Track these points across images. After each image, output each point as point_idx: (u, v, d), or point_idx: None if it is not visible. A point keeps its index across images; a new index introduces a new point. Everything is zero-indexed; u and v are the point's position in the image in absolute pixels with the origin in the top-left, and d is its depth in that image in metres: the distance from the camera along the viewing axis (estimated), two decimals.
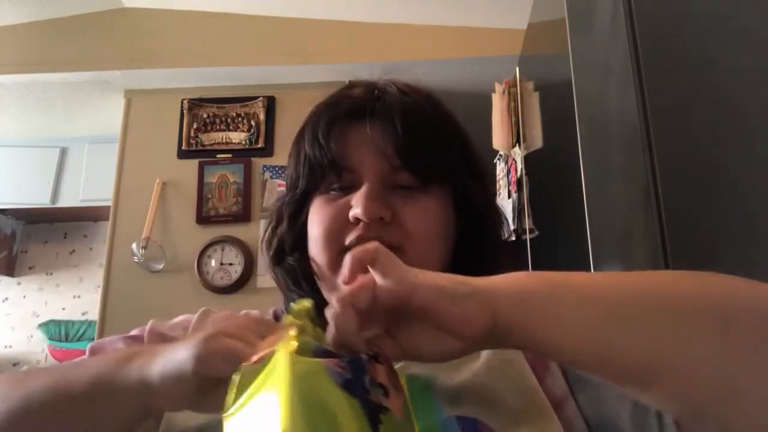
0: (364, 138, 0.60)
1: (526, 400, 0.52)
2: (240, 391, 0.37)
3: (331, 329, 0.40)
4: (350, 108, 0.62)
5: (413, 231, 0.58)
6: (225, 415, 0.36)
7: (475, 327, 0.39)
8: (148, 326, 0.66)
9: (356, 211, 0.57)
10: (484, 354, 0.56)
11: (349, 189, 0.60)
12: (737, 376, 0.37)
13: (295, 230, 0.65)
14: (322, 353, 0.38)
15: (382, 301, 0.39)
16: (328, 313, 0.40)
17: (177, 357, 0.41)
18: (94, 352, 0.63)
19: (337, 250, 0.59)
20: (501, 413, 0.51)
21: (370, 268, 0.40)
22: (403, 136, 0.59)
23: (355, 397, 0.35)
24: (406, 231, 0.58)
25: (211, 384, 0.40)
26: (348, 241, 0.58)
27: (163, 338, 0.63)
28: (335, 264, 0.59)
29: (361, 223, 0.57)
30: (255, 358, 0.38)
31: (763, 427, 0.37)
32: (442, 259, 0.61)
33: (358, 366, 0.38)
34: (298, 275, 0.65)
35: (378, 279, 0.40)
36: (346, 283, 0.41)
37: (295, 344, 0.37)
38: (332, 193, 0.61)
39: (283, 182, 0.69)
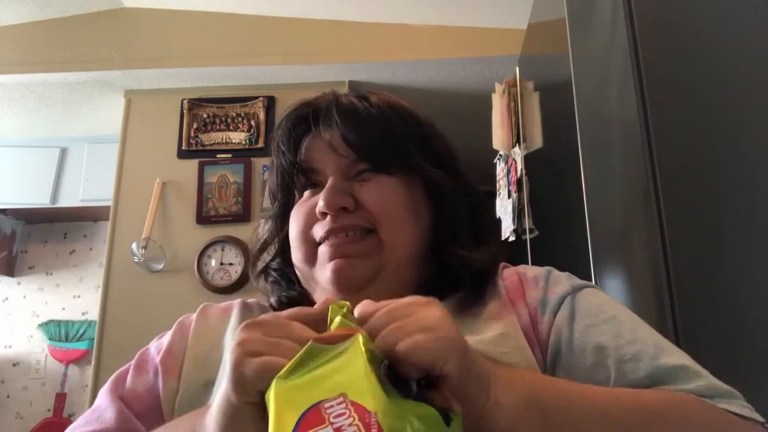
0: (318, 139, 0.65)
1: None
2: (303, 362, 0.39)
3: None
4: (301, 114, 0.66)
5: (377, 211, 0.61)
6: (278, 376, 0.38)
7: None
8: (152, 344, 0.67)
9: (319, 204, 0.61)
10: (489, 332, 0.57)
11: (320, 190, 0.63)
12: None
13: (279, 240, 0.69)
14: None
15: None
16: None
17: (220, 403, 0.42)
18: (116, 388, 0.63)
19: (311, 245, 0.62)
20: None
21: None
22: (345, 128, 0.62)
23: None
24: (370, 213, 0.61)
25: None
26: (319, 235, 0.61)
27: (169, 354, 0.63)
28: (310, 258, 0.62)
29: (328, 216, 0.61)
30: (326, 335, 0.41)
31: None
32: (416, 238, 0.63)
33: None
34: (282, 283, 0.69)
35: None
36: None
37: (366, 334, 0.40)
38: (305, 196, 0.65)
39: None
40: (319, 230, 0.61)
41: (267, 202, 0.76)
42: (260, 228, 0.73)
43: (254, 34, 2.45)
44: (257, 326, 0.43)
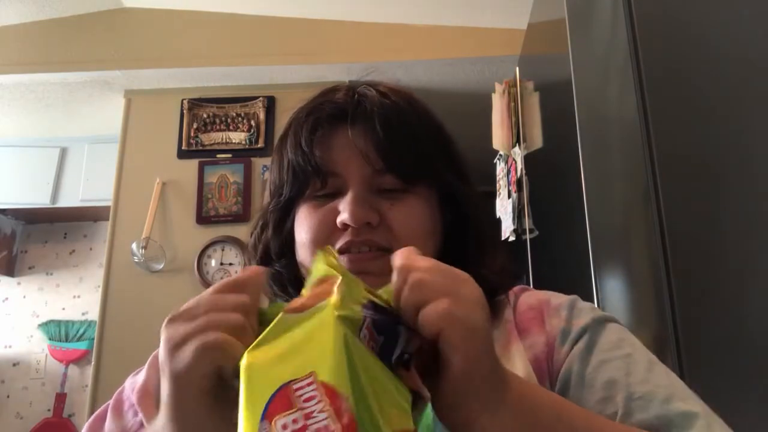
0: (346, 142, 0.60)
1: None
2: (274, 333, 0.37)
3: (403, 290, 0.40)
4: (331, 113, 0.62)
5: (401, 232, 0.59)
6: (249, 350, 0.37)
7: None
8: (127, 384, 0.65)
9: (344, 216, 0.57)
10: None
11: (335, 194, 0.60)
12: None
13: (282, 236, 0.65)
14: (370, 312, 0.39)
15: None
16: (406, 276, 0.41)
17: (169, 406, 0.40)
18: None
19: None
20: None
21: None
22: (384, 139, 0.59)
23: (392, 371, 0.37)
24: (393, 233, 0.59)
25: (218, 390, 0.39)
26: (338, 246, 0.59)
27: (145, 392, 0.62)
28: None
29: (350, 228, 0.58)
30: (297, 305, 0.39)
31: None
32: (430, 255, 0.61)
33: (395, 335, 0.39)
34: (285, 280, 0.65)
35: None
36: None
37: (338, 300, 0.37)
38: (318, 198, 0.61)
39: None
40: (338, 242, 0.59)
41: (266, 200, 0.71)
42: (258, 222, 0.69)
43: (254, 34, 2.45)
44: (178, 317, 0.40)
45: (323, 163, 0.60)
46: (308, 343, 0.36)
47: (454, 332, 0.38)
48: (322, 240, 0.59)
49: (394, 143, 0.60)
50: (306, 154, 0.61)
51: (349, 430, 0.32)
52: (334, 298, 0.38)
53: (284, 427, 0.33)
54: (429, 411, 0.44)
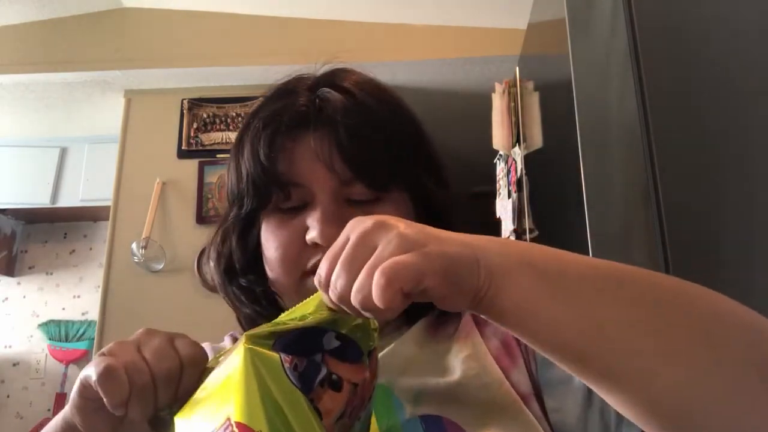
0: (309, 152, 0.57)
1: (491, 393, 0.52)
2: (200, 389, 0.39)
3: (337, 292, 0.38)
4: (291, 121, 0.58)
5: None
6: (180, 412, 0.39)
7: (458, 307, 0.39)
8: None
9: (313, 235, 0.54)
10: (450, 355, 0.56)
11: (301, 206, 0.57)
12: (706, 395, 0.37)
13: (247, 248, 0.63)
14: (284, 336, 0.38)
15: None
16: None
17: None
18: None
19: (299, 274, 0.57)
20: (465, 408, 0.51)
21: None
22: (349, 147, 0.55)
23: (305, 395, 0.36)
24: None
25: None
26: (310, 265, 0.56)
27: None
28: (299, 287, 0.57)
29: (321, 246, 0.54)
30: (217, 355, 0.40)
31: None
32: None
33: (313, 365, 0.38)
34: (256, 292, 0.63)
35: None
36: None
37: (249, 343, 0.37)
38: (284, 210, 0.58)
39: None
40: (309, 260, 0.56)
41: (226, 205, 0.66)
42: (218, 234, 0.66)
43: (254, 34, 2.45)
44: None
45: (285, 175, 0.57)
46: (223, 389, 0.36)
47: (413, 280, 0.35)
48: (293, 258, 0.57)
49: (360, 150, 0.56)
50: (265, 168, 0.57)
51: None
52: (242, 339, 0.37)
53: None
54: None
